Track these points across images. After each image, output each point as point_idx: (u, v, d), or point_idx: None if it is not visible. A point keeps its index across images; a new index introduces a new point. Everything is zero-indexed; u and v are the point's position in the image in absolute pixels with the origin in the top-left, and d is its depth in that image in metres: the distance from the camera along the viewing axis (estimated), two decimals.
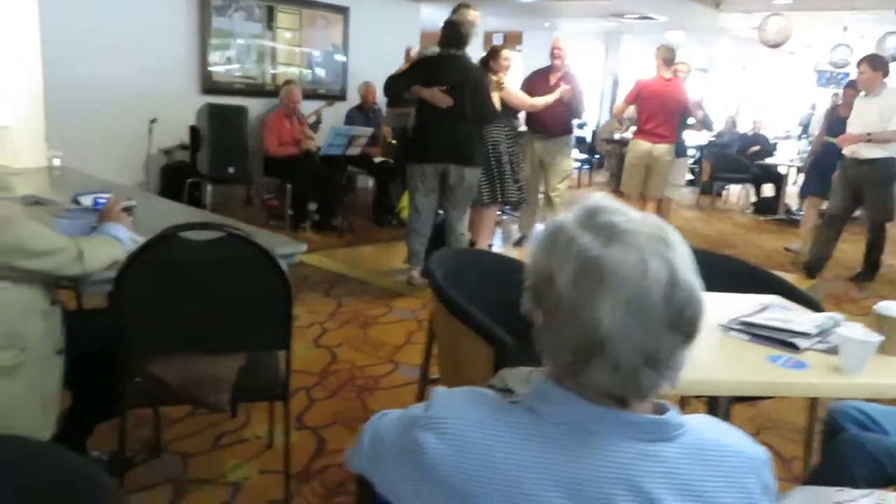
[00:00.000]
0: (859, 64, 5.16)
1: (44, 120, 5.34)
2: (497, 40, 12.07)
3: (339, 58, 7.83)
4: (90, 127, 5.44)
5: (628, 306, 0.76)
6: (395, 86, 4.54)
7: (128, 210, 2.17)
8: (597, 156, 11.20)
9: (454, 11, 4.69)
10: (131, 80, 5.90)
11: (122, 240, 1.97)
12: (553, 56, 5.38)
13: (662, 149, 5.68)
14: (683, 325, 0.78)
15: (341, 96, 7.74)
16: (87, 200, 2.51)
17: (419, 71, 4.41)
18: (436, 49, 4.46)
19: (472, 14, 4.66)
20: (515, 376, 1.15)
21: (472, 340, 1.98)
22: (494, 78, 4.72)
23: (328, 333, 3.67)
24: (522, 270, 0.88)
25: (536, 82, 5.37)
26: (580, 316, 0.77)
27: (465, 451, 0.80)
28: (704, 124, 6.18)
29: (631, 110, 5.96)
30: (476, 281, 2.27)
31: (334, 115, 6.88)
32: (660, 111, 5.63)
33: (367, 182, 6.97)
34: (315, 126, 6.38)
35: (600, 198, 0.84)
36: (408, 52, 5.64)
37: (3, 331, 1.67)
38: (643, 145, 5.77)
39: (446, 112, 4.27)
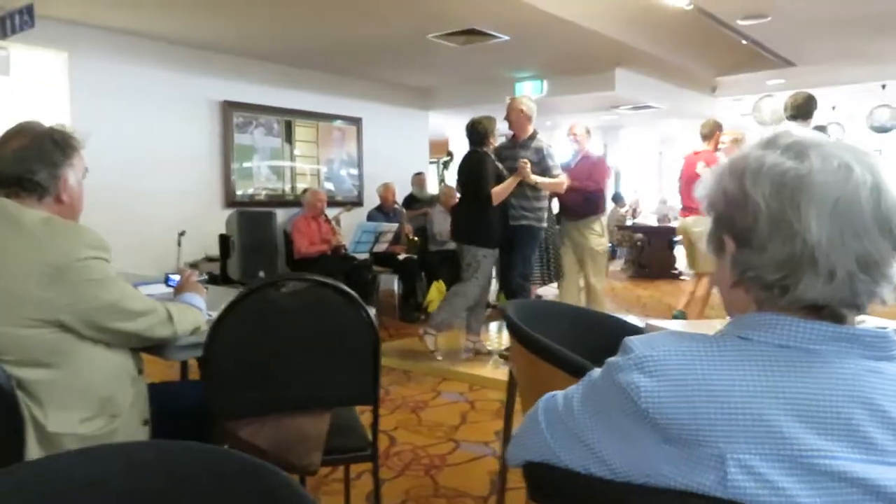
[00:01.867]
0: None
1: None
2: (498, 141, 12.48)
3: (354, 166, 8.08)
4: (123, 240, 5.52)
5: (835, 209, 0.75)
6: None
7: (201, 283, 2.19)
8: (609, 245, 11.30)
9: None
10: (161, 196, 6.08)
11: (202, 308, 1.97)
12: (573, 141, 5.56)
13: (689, 221, 5.72)
14: (895, 231, 0.77)
15: (358, 202, 7.93)
16: (150, 289, 2.52)
17: None
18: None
19: (514, 103, 4.90)
20: None
21: (563, 382, 1.92)
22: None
23: (382, 419, 3.55)
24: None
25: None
26: (784, 228, 0.77)
27: (683, 386, 0.77)
28: None
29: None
30: (549, 329, 2.24)
31: (352, 221, 7.00)
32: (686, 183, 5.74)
33: (391, 281, 7.00)
34: None
35: (779, 128, 0.85)
36: None
37: (98, 397, 1.64)
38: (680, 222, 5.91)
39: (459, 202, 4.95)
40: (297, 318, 1.81)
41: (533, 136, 4.87)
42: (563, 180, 4.90)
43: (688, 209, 5.71)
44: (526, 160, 4.64)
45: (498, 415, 3.66)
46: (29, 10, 4.88)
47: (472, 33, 6.11)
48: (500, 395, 3.99)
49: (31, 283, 1.51)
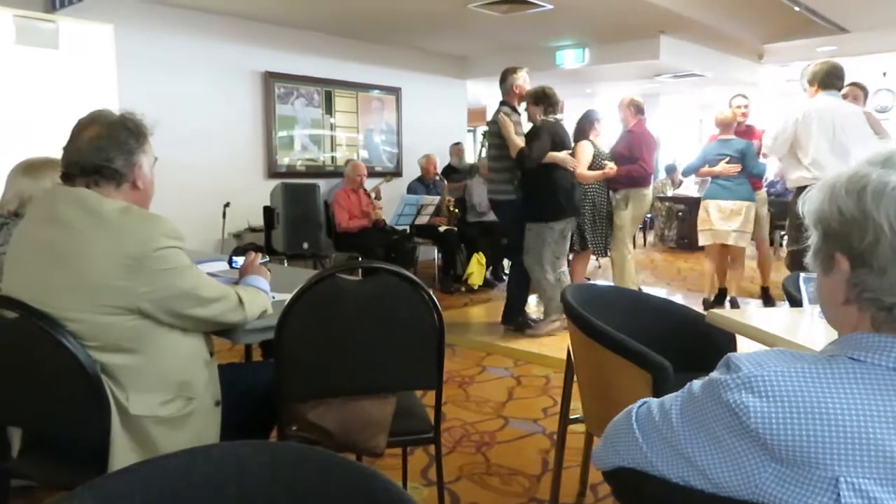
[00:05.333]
0: None
1: None
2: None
3: (393, 135, 8.07)
4: (168, 211, 5.60)
5: None
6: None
7: (264, 265, 2.22)
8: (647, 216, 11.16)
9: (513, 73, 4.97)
10: (205, 167, 6.14)
11: (267, 291, 2.01)
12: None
13: None
14: None
15: (397, 172, 7.94)
16: (210, 266, 2.57)
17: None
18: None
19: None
20: None
21: (624, 369, 1.93)
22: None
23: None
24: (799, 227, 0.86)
25: None
26: None
27: (796, 408, 0.77)
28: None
29: None
30: (608, 314, 2.24)
31: (391, 191, 7.03)
32: None
33: (430, 252, 7.03)
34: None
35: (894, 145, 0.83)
36: None
37: (176, 381, 1.69)
38: None
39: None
40: (364, 304, 1.83)
41: None
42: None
43: None
44: None
45: (544, 391, 3.69)
46: None
47: (513, 2, 6.00)
48: (546, 371, 4.02)
49: (110, 273, 1.55)
